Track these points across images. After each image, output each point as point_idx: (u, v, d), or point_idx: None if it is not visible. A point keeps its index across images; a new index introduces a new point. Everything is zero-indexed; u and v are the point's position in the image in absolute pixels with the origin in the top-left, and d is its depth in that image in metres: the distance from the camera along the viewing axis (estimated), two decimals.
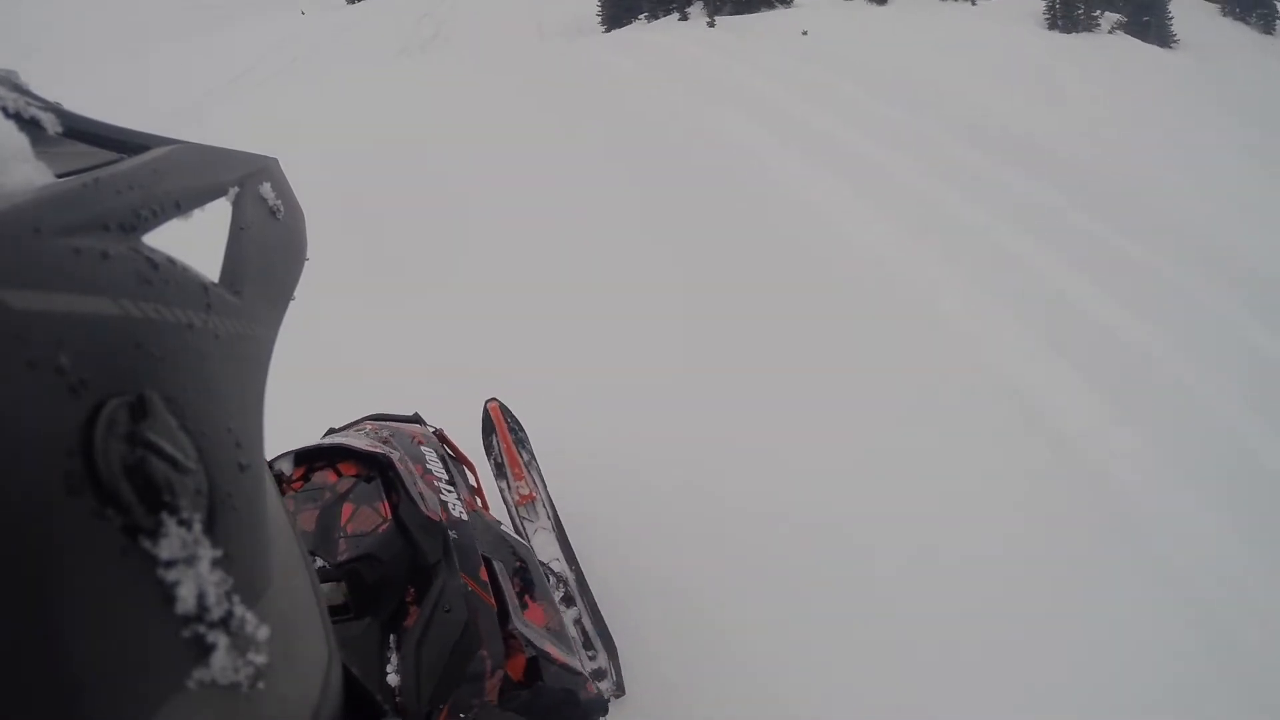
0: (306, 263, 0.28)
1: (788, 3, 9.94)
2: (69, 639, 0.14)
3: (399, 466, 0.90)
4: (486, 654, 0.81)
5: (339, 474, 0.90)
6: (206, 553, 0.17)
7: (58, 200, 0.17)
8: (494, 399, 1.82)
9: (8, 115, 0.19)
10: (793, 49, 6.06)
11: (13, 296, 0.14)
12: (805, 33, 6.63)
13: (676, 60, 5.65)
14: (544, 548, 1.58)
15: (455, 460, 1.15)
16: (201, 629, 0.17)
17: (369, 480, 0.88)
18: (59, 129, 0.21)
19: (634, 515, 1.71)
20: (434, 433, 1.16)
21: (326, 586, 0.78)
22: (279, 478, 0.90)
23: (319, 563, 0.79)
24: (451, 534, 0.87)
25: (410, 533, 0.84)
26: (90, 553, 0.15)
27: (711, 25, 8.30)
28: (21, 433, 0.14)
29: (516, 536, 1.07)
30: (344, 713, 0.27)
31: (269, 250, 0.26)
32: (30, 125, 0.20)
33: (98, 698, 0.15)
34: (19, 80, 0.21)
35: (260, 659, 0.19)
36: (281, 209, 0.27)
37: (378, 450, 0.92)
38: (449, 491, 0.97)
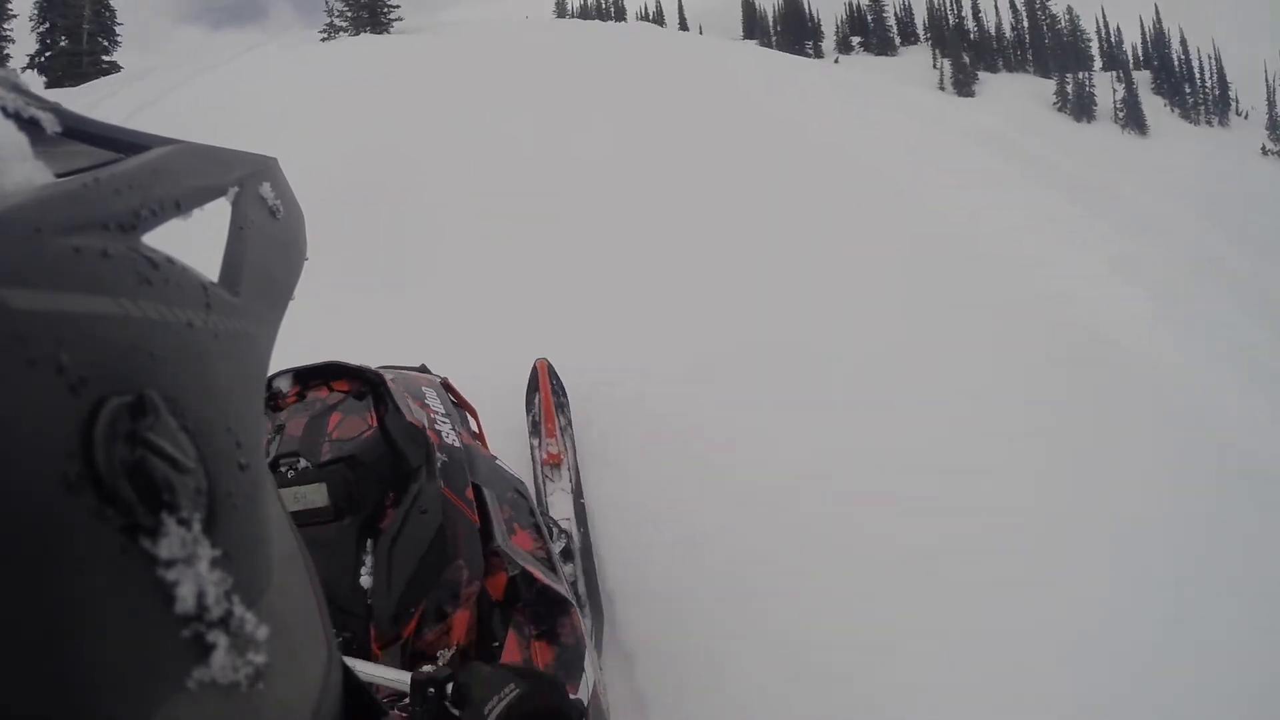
0: (306, 262, 0.28)
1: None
2: (68, 639, 0.14)
3: (390, 384, 0.90)
4: (464, 564, 0.80)
5: (331, 390, 0.91)
6: (206, 552, 0.17)
7: (57, 200, 0.17)
8: (544, 358, 1.83)
9: (7, 115, 0.19)
10: None
11: (12, 296, 0.14)
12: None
13: None
14: (558, 506, 1.60)
15: (458, 406, 1.16)
16: (201, 629, 0.17)
17: (360, 397, 0.89)
18: (58, 129, 0.21)
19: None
20: (440, 381, 1.17)
21: (309, 487, 0.78)
22: (276, 394, 0.91)
23: (302, 463, 0.79)
24: (442, 456, 0.87)
25: (394, 440, 0.84)
26: (90, 552, 0.15)
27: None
28: (21, 432, 0.14)
29: (512, 471, 1.06)
30: (344, 713, 0.26)
31: (268, 250, 0.26)
32: (30, 125, 0.20)
33: (97, 697, 0.15)
34: (18, 80, 0.21)
35: (260, 659, 0.19)
36: (281, 209, 0.27)
37: (370, 369, 0.93)
38: (444, 423, 0.97)
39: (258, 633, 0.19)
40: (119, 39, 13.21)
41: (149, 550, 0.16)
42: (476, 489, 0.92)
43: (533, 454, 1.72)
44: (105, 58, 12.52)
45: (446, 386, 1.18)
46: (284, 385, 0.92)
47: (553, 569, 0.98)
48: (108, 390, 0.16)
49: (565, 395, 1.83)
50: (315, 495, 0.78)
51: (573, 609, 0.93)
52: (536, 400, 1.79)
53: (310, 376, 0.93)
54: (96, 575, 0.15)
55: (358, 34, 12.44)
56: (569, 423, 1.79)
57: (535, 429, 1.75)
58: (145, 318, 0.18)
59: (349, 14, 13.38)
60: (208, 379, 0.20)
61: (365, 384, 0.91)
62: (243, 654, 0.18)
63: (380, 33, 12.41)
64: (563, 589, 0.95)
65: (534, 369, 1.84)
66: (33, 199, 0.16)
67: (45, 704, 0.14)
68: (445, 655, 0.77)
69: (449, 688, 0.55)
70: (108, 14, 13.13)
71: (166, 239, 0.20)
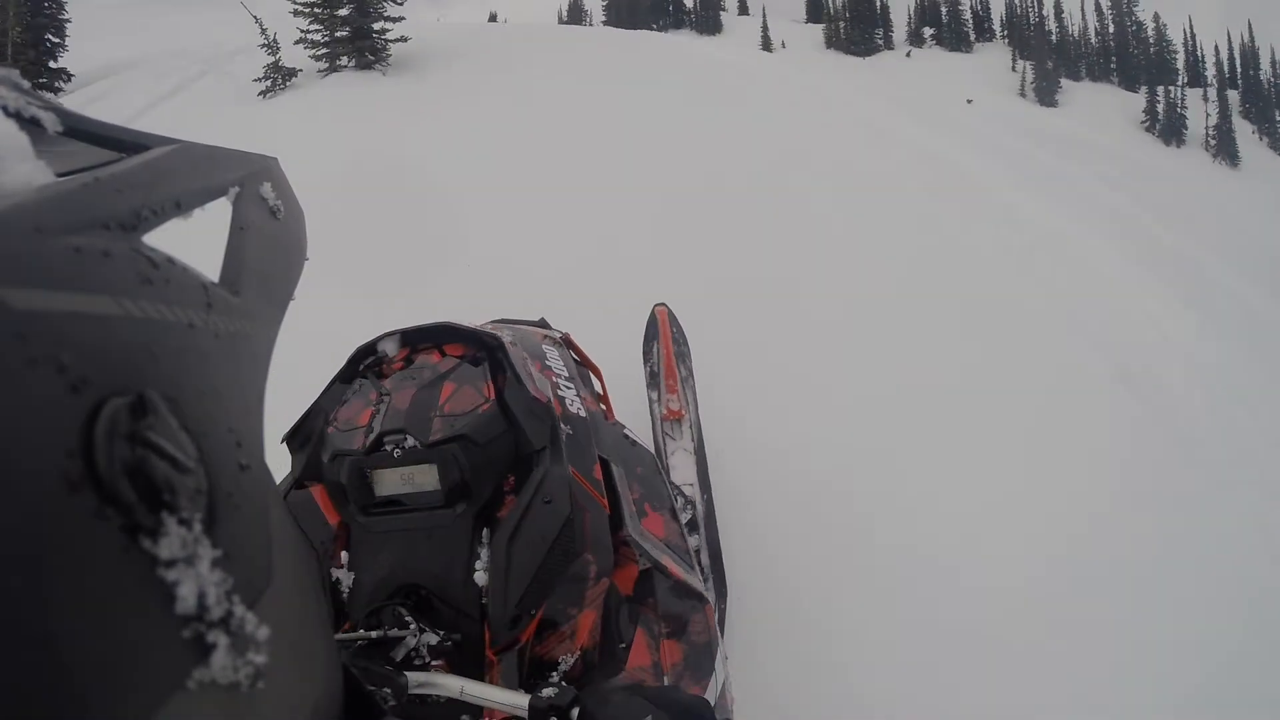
0: (307, 262, 0.28)
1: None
2: (69, 638, 0.14)
3: (509, 348, 0.80)
4: (592, 558, 0.71)
5: (444, 355, 0.81)
6: (206, 552, 0.17)
7: (58, 199, 0.17)
8: (663, 304, 1.72)
9: (8, 115, 0.19)
10: None
11: (14, 295, 0.14)
12: None
13: None
14: (680, 469, 1.47)
15: (581, 365, 1.06)
16: (202, 629, 0.17)
17: (475, 363, 0.79)
18: (59, 128, 0.21)
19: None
20: (561, 337, 1.08)
21: (417, 468, 0.69)
22: (381, 359, 0.82)
23: (409, 442, 0.70)
24: (566, 429, 0.78)
25: (514, 416, 0.74)
26: (90, 552, 0.15)
27: None
28: (22, 431, 0.14)
29: (640, 440, 0.96)
30: (344, 713, 0.27)
31: (269, 250, 0.25)
32: (30, 124, 0.20)
33: (98, 697, 0.15)
34: (19, 80, 0.21)
35: (260, 659, 0.19)
36: (281, 209, 0.27)
37: (487, 331, 0.83)
38: (568, 388, 0.87)
39: (258, 633, 0.19)
40: (67, 37, 8.70)
41: (149, 550, 0.16)
42: (604, 465, 0.82)
43: (651, 409, 1.58)
44: (51, 63, 8.49)
45: (568, 343, 1.08)
46: (390, 349, 0.82)
47: (688, 557, 0.88)
48: (108, 390, 0.16)
49: (686, 344, 1.69)
50: (425, 478, 0.69)
51: (707, 605, 0.85)
52: (655, 350, 1.64)
53: (420, 339, 0.83)
54: (97, 575, 0.15)
55: (331, 71, 6.51)
56: (690, 374, 1.65)
57: (654, 381, 1.61)
58: (146, 318, 0.18)
59: (318, 34, 6.75)
60: (209, 379, 0.20)
61: (482, 348, 0.81)
62: (243, 654, 0.18)
63: (369, 66, 6.45)
64: (698, 582, 0.86)
65: (652, 315, 1.70)
66: (34, 199, 0.16)
67: (46, 704, 0.14)
68: (568, 661, 0.69)
69: (574, 715, 0.49)
70: (51, 6, 8.67)
71: (167, 239, 0.20)
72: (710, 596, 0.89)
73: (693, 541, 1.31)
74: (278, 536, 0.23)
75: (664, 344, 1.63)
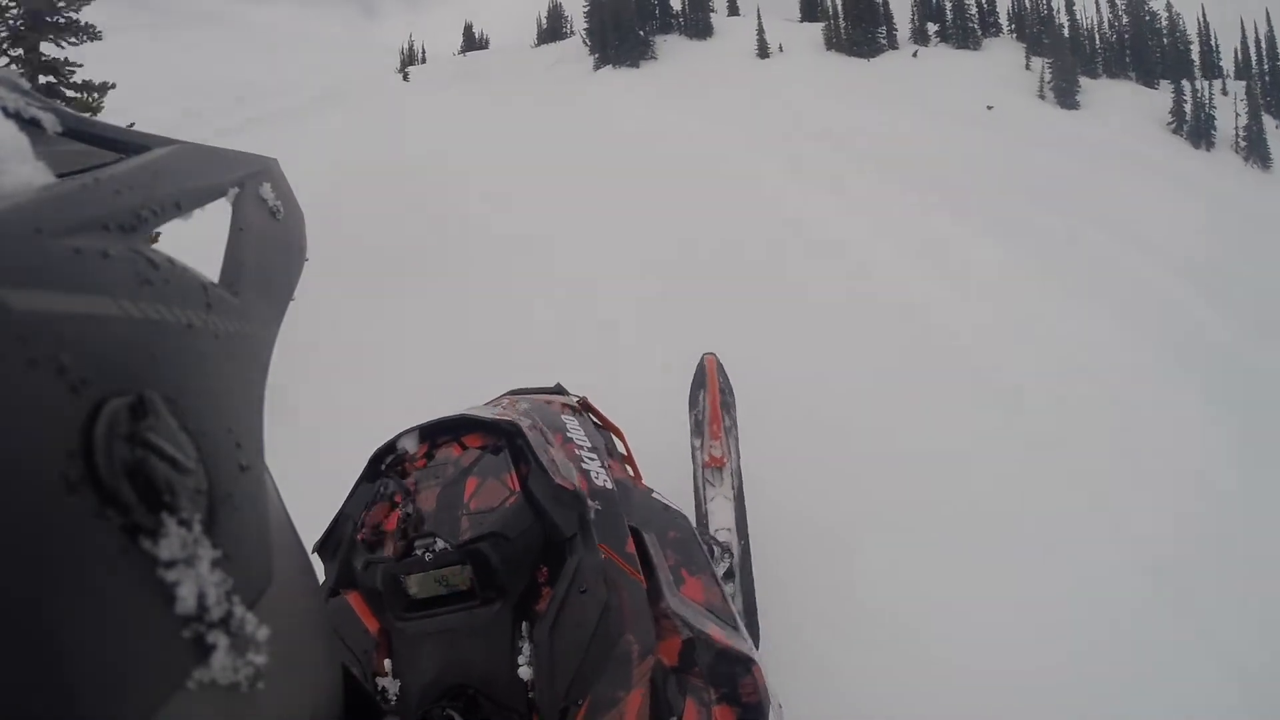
0: (306, 263, 0.28)
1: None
2: (69, 639, 0.14)
3: (528, 434, 0.80)
4: (633, 638, 0.70)
5: (464, 448, 0.81)
6: (206, 553, 0.17)
7: (58, 200, 0.17)
8: (712, 354, 1.72)
9: (8, 115, 0.19)
10: None
11: (14, 296, 0.14)
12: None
13: None
14: (718, 515, 1.48)
15: (602, 429, 1.07)
16: (202, 629, 0.17)
17: (496, 452, 0.79)
18: (59, 129, 0.21)
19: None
20: (578, 401, 1.08)
21: (450, 570, 0.70)
22: (402, 456, 0.83)
23: (439, 544, 0.70)
24: (595, 505, 0.79)
25: (541, 505, 0.74)
26: (90, 552, 0.15)
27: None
28: (22, 432, 0.14)
29: (670, 502, 0.96)
30: (344, 713, 0.27)
31: (269, 251, 0.25)
32: (30, 125, 0.20)
33: (98, 698, 0.15)
34: (19, 80, 0.21)
35: (260, 659, 0.19)
36: (281, 209, 0.27)
37: (504, 419, 0.83)
38: (591, 459, 0.88)
39: (258, 633, 0.19)
40: None
41: (149, 551, 0.16)
42: (636, 536, 0.82)
43: (694, 455, 1.61)
44: None
45: (586, 407, 1.07)
46: (410, 445, 0.83)
47: (731, 619, 0.87)
48: (108, 391, 0.16)
49: (732, 394, 1.72)
50: (458, 579, 0.70)
51: (755, 665, 0.83)
52: (702, 398, 1.66)
53: (438, 433, 0.84)
54: (97, 576, 0.15)
55: None
56: (734, 424, 1.67)
57: (698, 429, 1.64)
58: (146, 318, 0.18)
59: None
60: (208, 380, 0.20)
61: (500, 436, 0.81)
62: (243, 654, 0.18)
63: None
64: (745, 645, 0.84)
65: (701, 365, 1.72)
66: (33, 200, 0.16)
67: (46, 704, 0.14)
68: None
69: None
70: None
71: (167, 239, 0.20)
72: (756, 654, 0.87)
73: (729, 589, 1.29)
74: (277, 537, 0.23)
75: (711, 393, 1.65)
